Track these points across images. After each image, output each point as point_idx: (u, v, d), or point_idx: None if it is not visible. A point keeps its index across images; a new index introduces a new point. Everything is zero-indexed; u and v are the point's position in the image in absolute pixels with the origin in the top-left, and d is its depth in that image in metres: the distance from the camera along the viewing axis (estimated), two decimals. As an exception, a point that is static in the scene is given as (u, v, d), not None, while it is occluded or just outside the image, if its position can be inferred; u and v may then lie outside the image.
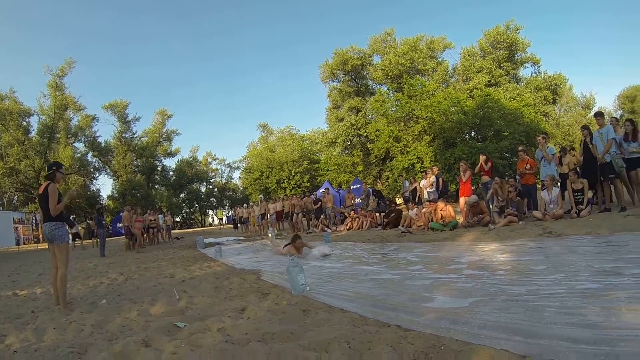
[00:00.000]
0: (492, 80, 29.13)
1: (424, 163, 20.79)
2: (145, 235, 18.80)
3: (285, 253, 8.48)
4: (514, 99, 25.89)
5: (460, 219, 10.55)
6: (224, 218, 46.44)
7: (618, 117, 16.36)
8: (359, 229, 13.96)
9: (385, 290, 4.49)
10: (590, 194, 9.05)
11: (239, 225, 24.54)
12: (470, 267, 5.22)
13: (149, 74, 79.81)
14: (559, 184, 9.51)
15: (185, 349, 2.96)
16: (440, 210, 10.60)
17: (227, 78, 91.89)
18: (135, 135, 48.10)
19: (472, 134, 23.70)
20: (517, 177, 10.72)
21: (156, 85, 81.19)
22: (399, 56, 28.42)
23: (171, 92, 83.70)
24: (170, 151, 51.70)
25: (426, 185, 13.45)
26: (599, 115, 9.24)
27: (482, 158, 11.30)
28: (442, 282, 4.61)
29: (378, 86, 30.99)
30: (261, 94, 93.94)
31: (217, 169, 60.62)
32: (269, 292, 4.92)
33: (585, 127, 9.58)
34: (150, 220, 19.64)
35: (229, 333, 3.33)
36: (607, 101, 76.33)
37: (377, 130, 24.89)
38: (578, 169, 9.65)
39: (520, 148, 11.14)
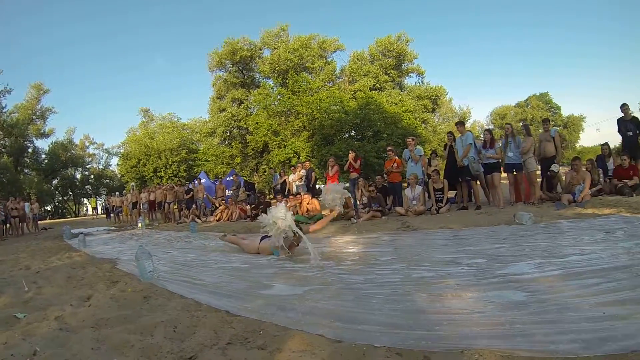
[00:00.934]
0: (377, 85, 30.06)
1: (301, 158, 20.93)
2: (7, 226, 16.92)
3: (265, 250, 6.12)
4: (396, 104, 26.93)
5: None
6: (98, 207, 43.40)
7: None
8: (228, 220, 13.83)
9: (228, 278, 4.61)
10: (452, 193, 9.97)
11: (111, 214, 23.14)
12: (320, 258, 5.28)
13: (23, 43, 71.74)
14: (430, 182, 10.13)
15: (17, 339, 2.85)
16: (307, 203, 10.79)
17: (112, 56, 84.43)
18: (4, 110, 42.93)
19: (352, 133, 24.30)
20: (385, 175, 11.13)
21: (33, 56, 72.32)
22: (288, 52, 28.43)
23: (48, 66, 73.51)
24: (44, 131, 45.60)
25: (295, 179, 13.60)
26: (460, 124, 10.27)
27: (351, 155, 11.65)
28: (286, 271, 4.80)
29: (264, 79, 30.73)
30: (146, 77, 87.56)
31: (94, 154, 54.95)
32: (118, 280, 4.84)
33: (450, 133, 10.65)
34: (13, 208, 17.25)
35: (66, 321, 3.24)
36: (481, 115, 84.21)
37: (257, 123, 24.75)
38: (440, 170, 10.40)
39: (388, 148, 11.77)
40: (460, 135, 9.67)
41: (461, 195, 10.04)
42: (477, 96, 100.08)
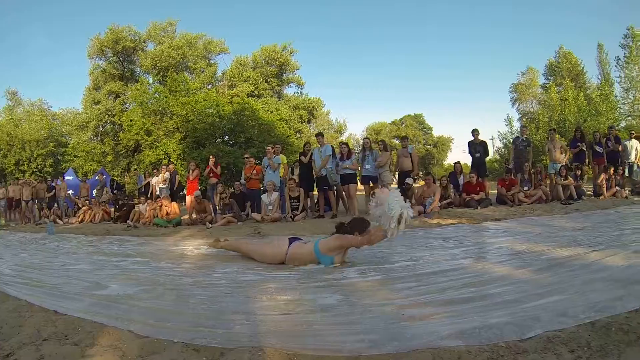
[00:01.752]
0: (255, 92, 30.05)
1: (171, 159, 20.33)
2: None
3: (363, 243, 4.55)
4: (272, 112, 27.10)
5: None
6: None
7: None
8: (91, 221, 12.90)
9: (67, 280, 4.51)
10: (309, 202, 10.19)
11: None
12: (160, 260, 5.46)
13: None
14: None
15: None
16: (165, 206, 10.43)
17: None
18: None
19: (225, 138, 24.03)
20: (243, 181, 11.17)
21: None
22: (172, 49, 27.65)
23: None
24: None
25: (159, 181, 13.01)
26: (320, 135, 10.53)
27: (211, 160, 11.56)
28: (126, 272, 4.80)
29: (144, 75, 29.30)
30: (20, 52, 74.88)
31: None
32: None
33: (306, 144, 10.95)
34: None
35: None
36: (357, 129, 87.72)
37: (131, 120, 23.52)
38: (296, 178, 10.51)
39: (246, 155, 12.00)
40: (319, 146, 9.89)
41: (318, 203, 10.32)
42: (356, 110, 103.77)
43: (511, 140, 30.04)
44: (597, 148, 12.53)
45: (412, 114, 64.61)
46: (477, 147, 11.50)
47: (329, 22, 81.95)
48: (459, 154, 72.46)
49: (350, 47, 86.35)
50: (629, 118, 31.35)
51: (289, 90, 34.22)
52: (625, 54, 32.51)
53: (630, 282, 3.26)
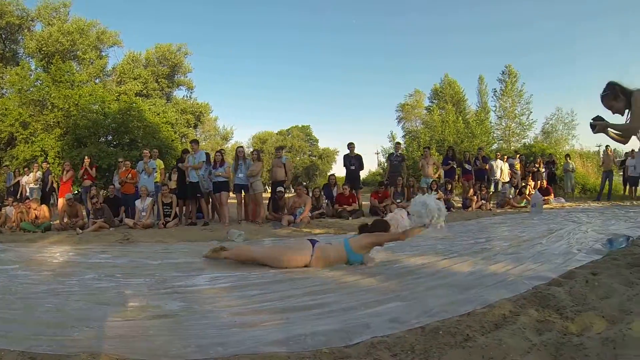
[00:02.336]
0: (144, 91, 28.85)
1: (48, 158, 18.83)
2: None
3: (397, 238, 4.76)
4: (158, 114, 25.90)
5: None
6: None
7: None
8: None
9: None
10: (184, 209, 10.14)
11: None
12: (19, 268, 5.14)
13: None
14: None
15: None
16: (34, 209, 9.64)
17: None
18: None
19: (109, 138, 22.63)
20: (118, 184, 10.78)
21: None
22: (62, 33, 25.37)
23: None
24: None
25: (29, 181, 12.09)
26: (195, 142, 10.41)
27: (86, 161, 11.17)
28: None
29: (27, 58, 26.56)
30: None
31: None
32: None
33: (185, 151, 10.88)
34: None
35: None
36: (243, 137, 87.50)
37: (6, 109, 21.12)
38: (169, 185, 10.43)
39: (120, 159, 11.66)
40: (193, 152, 9.80)
41: (189, 210, 10.28)
42: (244, 118, 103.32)
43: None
44: (467, 166, 13.74)
45: (300, 125, 65.64)
46: (352, 160, 11.95)
47: (224, 26, 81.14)
48: (342, 169, 75.10)
49: (244, 53, 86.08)
50: (501, 142, 34.80)
51: (179, 93, 33.33)
52: (501, 87, 36.84)
53: (469, 287, 3.57)
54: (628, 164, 15.54)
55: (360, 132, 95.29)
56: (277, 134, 63.79)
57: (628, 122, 3.92)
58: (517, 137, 35.77)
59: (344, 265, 4.58)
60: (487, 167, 14.40)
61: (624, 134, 4.28)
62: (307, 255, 4.57)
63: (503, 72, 37.07)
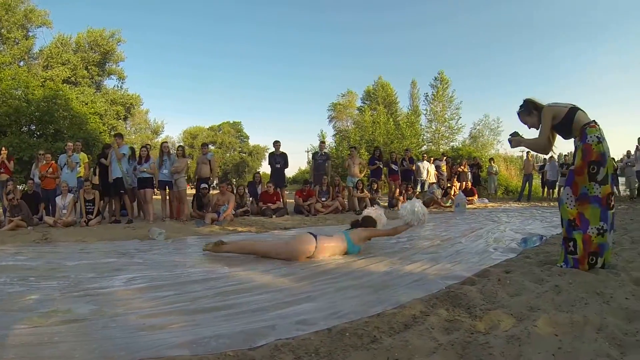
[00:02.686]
0: (72, 78, 27.52)
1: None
2: None
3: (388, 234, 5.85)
4: (87, 104, 24.89)
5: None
6: None
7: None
8: None
9: None
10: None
11: None
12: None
13: None
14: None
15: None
16: None
17: None
18: None
19: (32, 128, 21.50)
20: (38, 179, 10.25)
21: None
22: None
23: None
24: None
25: None
26: (119, 136, 10.02)
27: (3, 153, 10.56)
28: None
29: None
30: None
31: None
32: None
33: (106, 146, 10.61)
34: None
35: None
36: (174, 131, 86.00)
37: None
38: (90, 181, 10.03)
39: (40, 152, 10.95)
40: (117, 147, 9.45)
41: (113, 208, 10.01)
42: (175, 112, 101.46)
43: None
44: (393, 166, 14.14)
45: (231, 121, 65.54)
46: (277, 158, 12.13)
47: (160, 16, 79.34)
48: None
49: (178, 44, 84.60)
50: (430, 144, 36.00)
51: (109, 83, 31.93)
52: (433, 92, 38.25)
53: (382, 288, 3.60)
54: (546, 168, 16.93)
55: (293, 130, 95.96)
56: (208, 129, 63.44)
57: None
58: (446, 140, 37.02)
59: (260, 265, 4.65)
60: (413, 167, 14.98)
61: (532, 149, 4.68)
62: (312, 246, 4.89)
63: (436, 78, 38.48)
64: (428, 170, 15.50)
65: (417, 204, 5.63)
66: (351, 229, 5.52)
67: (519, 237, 6.41)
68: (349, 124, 47.32)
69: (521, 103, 4.34)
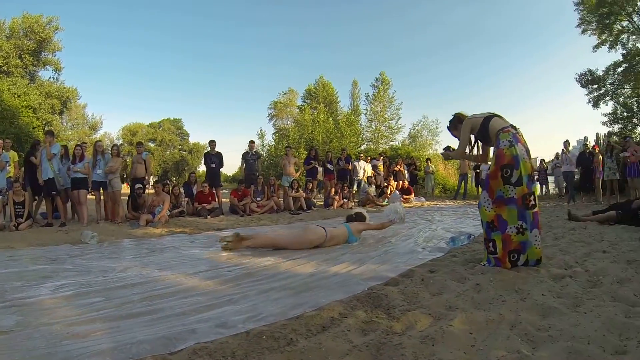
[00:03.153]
0: (4, 67, 26.27)
1: None
2: None
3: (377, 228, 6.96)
4: (19, 96, 23.88)
5: None
6: None
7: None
8: None
9: None
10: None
11: None
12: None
13: None
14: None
15: None
16: None
17: None
18: None
19: None
20: None
21: None
22: None
23: None
24: None
25: None
26: (49, 134, 9.61)
27: None
28: None
29: None
30: None
31: None
32: None
33: (37, 142, 10.38)
34: None
35: None
36: (113, 128, 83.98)
37: None
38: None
39: None
40: (47, 145, 9.07)
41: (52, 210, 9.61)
42: (115, 107, 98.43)
43: (263, 153, 32.48)
44: (329, 166, 14.53)
45: (172, 118, 64.76)
46: (212, 157, 12.20)
47: (99, 5, 76.87)
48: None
49: (118, 36, 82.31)
50: (370, 143, 36.93)
51: (44, 74, 30.50)
52: (374, 92, 39.18)
53: (305, 290, 3.64)
54: (481, 168, 17.61)
55: (233, 128, 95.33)
56: (148, 126, 62.13)
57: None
58: (386, 140, 37.94)
59: (189, 267, 4.72)
60: (350, 167, 15.35)
61: (469, 160, 5.14)
62: (323, 236, 5.80)
63: (377, 79, 39.43)
64: (364, 169, 15.82)
65: (399, 205, 7.07)
66: (347, 222, 6.56)
67: (448, 236, 6.59)
68: (289, 122, 47.48)
69: (451, 117, 4.66)
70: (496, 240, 4.11)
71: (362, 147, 33.28)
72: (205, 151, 12.38)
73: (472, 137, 4.58)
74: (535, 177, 18.51)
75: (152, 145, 59.12)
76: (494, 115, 4.30)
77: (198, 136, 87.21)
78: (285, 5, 78.22)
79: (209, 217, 10.43)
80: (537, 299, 3.07)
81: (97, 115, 46.94)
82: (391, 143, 36.65)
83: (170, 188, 11.08)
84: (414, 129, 38.89)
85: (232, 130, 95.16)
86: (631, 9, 20.93)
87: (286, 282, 3.95)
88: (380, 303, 3.20)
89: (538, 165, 17.32)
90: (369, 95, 39.74)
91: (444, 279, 3.76)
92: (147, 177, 10.80)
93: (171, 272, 4.51)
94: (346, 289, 3.63)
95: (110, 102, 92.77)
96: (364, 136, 37.52)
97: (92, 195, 9.96)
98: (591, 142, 17.19)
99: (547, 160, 17.88)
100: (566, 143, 14.78)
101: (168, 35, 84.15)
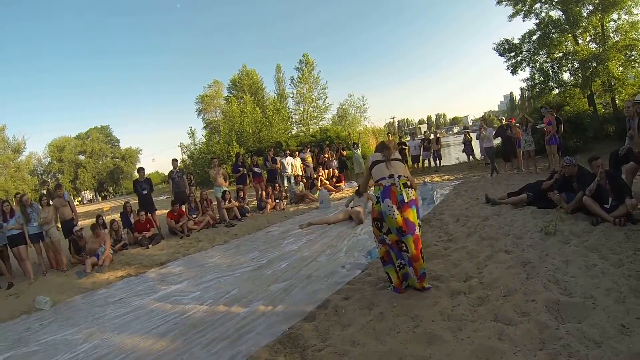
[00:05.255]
0: None
1: None
2: None
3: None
4: None
5: None
6: None
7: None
8: None
9: None
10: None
11: None
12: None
13: None
14: None
15: None
16: None
17: None
18: None
19: None
20: None
21: None
22: None
23: None
24: None
25: None
26: None
27: None
28: None
29: None
30: None
31: None
32: None
33: None
34: None
35: None
36: (38, 147, 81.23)
37: None
38: None
39: None
40: None
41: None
42: (37, 125, 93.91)
43: (195, 153, 32.57)
44: (256, 169, 15.04)
45: (99, 126, 64.25)
46: (142, 184, 12.23)
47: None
48: (149, 164, 73.64)
49: (23, 48, 78.90)
50: (300, 126, 37.95)
51: None
52: (298, 75, 39.93)
53: (239, 337, 4.24)
54: (409, 144, 19.49)
55: (163, 127, 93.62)
56: (75, 138, 61.36)
57: None
58: (315, 120, 39.02)
59: (143, 327, 5.13)
60: (278, 166, 15.78)
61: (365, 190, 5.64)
62: (358, 209, 9.73)
63: (300, 61, 40.02)
64: (293, 165, 16.24)
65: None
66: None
67: (369, 245, 7.10)
68: (217, 114, 47.76)
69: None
70: (389, 272, 4.62)
71: (293, 131, 33.98)
72: (134, 179, 12.40)
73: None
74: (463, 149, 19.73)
75: (82, 158, 57.94)
76: (378, 161, 4.66)
77: (130, 140, 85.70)
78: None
79: (150, 246, 10.59)
80: (427, 327, 3.56)
81: (18, 137, 46.26)
82: (321, 123, 37.87)
83: (109, 224, 11.19)
84: (341, 108, 40.39)
85: (165, 126, 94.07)
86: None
87: (223, 330, 4.48)
88: (298, 343, 3.74)
89: (462, 135, 18.58)
90: (294, 79, 40.37)
91: (354, 308, 4.26)
92: (75, 218, 10.62)
93: (127, 334, 4.90)
94: (272, 331, 4.16)
95: (31, 120, 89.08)
96: (294, 119, 38.46)
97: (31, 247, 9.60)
98: (517, 98, 18.42)
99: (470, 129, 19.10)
100: (482, 121, 15.73)
101: (73, 40, 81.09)
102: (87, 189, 65.57)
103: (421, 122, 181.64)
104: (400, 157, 4.80)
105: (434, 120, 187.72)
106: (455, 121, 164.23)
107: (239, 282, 6.41)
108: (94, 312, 6.12)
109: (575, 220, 6.50)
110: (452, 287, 4.43)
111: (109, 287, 7.62)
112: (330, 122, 38.25)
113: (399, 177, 4.42)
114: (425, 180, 14.64)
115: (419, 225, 4.43)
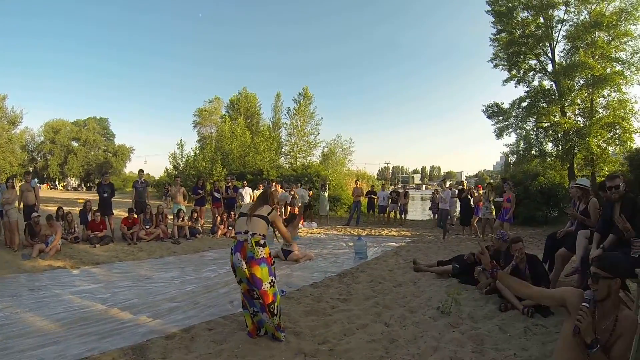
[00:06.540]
0: None
1: None
2: None
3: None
4: None
5: None
6: None
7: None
8: None
9: None
10: None
11: None
12: None
13: None
14: None
15: None
16: None
17: None
18: None
19: None
20: None
21: None
22: None
23: None
24: None
25: None
26: None
27: None
28: None
29: None
30: None
31: None
32: None
33: None
34: None
35: None
36: (35, 123, 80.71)
37: None
38: None
39: None
40: None
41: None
42: (38, 102, 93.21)
43: (181, 164, 33.18)
44: (216, 194, 16.04)
45: (98, 117, 65.17)
46: (105, 187, 13.23)
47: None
48: (140, 164, 74.24)
49: (43, 28, 79.86)
50: (288, 157, 38.77)
51: None
52: (295, 107, 40.64)
53: (106, 337, 4.65)
54: (378, 195, 20.25)
55: (160, 132, 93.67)
56: (72, 123, 61.49)
57: None
58: (304, 154, 39.47)
59: (48, 311, 5.77)
60: (236, 195, 16.68)
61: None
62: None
63: (300, 94, 40.82)
64: (251, 195, 16.96)
65: None
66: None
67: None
68: (213, 130, 48.39)
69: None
70: (245, 317, 4.84)
71: (281, 161, 34.78)
72: (97, 181, 12.94)
73: None
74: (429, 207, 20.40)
75: (75, 144, 57.91)
76: (242, 215, 4.92)
77: (124, 138, 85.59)
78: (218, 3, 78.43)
79: (97, 245, 11.39)
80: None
81: (17, 109, 46.62)
82: (309, 158, 38.38)
83: (65, 214, 12.09)
84: (327, 147, 40.37)
85: (161, 130, 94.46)
86: (540, 50, 23.20)
87: (101, 328, 5.03)
88: (144, 354, 4.17)
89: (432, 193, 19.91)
90: (290, 110, 41.14)
91: (207, 340, 4.62)
92: (37, 204, 11.55)
93: (32, 314, 5.55)
94: (134, 339, 4.61)
95: (34, 97, 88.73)
96: (283, 150, 39.14)
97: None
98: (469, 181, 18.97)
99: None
100: (441, 184, 16.70)
101: (93, 28, 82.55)
102: (73, 176, 65.73)
103: (415, 171, 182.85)
104: (265, 213, 4.84)
105: (428, 171, 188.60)
106: (448, 175, 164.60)
107: (143, 294, 6.87)
108: (19, 291, 6.83)
109: (486, 303, 6.19)
110: (302, 346, 4.42)
111: (43, 273, 8.36)
112: (320, 158, 38.81)
113: (252, 234, 4.57)
114: (362, 235, 15.31)
115: (271, 283, 4.57)
